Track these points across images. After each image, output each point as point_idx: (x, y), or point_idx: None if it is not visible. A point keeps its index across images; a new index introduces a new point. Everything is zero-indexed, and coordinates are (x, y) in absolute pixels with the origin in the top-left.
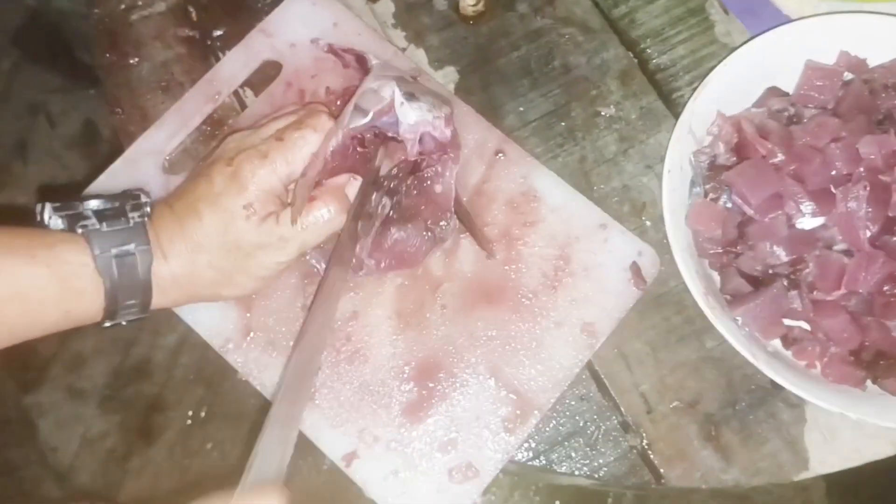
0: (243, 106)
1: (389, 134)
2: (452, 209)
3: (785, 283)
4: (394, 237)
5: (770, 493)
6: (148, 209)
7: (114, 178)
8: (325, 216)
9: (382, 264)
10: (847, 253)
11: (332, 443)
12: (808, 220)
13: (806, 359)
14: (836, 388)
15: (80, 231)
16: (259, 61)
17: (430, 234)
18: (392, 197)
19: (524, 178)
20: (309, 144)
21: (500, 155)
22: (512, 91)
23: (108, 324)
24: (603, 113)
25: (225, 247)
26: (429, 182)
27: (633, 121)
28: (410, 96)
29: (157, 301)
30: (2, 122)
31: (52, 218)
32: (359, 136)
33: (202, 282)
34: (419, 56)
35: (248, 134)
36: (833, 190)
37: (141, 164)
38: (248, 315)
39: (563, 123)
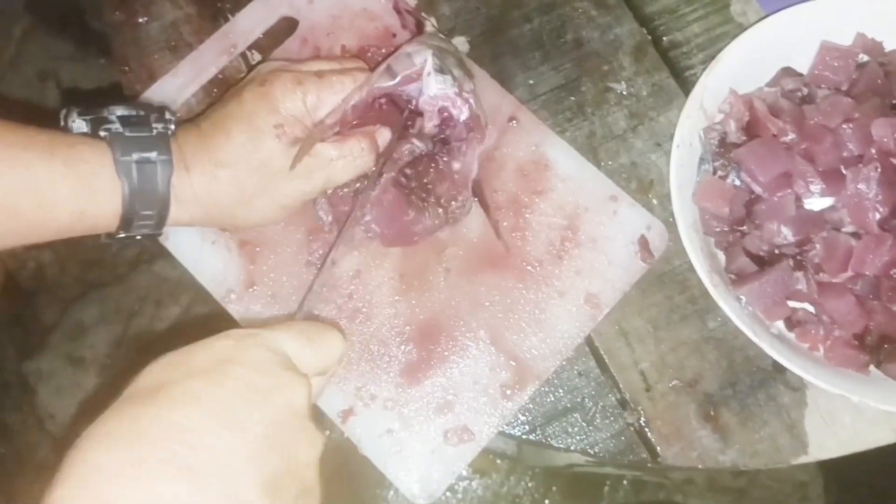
0: (250, 68)
1: (411, 105)
2: (470, 189)
3: (791, 263)
4: (409, 216)
5: (768, 489)
6: (172, 125)
7: None
8: (356, 151)
9: (387, 238)
10: (855, 235)
11: (330, 398)
12: (816, 201)
13: (809, 341)
14: (839, 371)
15: (102, 135)
16: (276, 16)
17: (442, 211)
18: (416, 166)
19: (536, 147)
20: (345, 91)
21: (513, 122)
22: (523, 63)
23: (122, 234)
24: (614, 88)
25: (250, 164)
26: (447, 158)
27: (643, 98)
28: (440, 69)
29: (175, 215)
30: (12, 88)
31: (75, 121)
32: (382, 98)
33: (221, 200)
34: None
35: (283, 64)
36: (843, 171)
37: None
38: (252, 267)
39: (572, 98)
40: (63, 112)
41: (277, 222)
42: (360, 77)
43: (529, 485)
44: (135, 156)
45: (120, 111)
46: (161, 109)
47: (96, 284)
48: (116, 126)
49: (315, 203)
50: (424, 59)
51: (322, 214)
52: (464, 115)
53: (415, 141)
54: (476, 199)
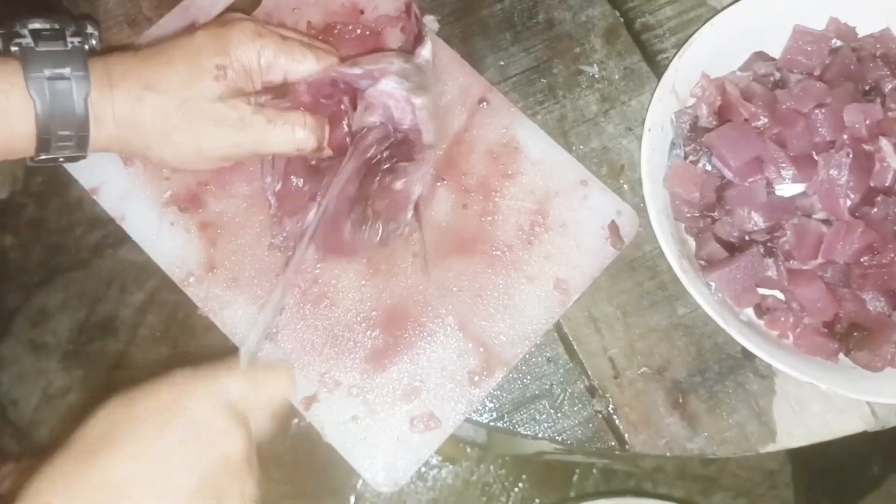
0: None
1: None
2: (410, 212)
3: (761, 249)
4: (346, 228)
5: (737, 477)
6: (94, 40)
7: None
8: (298, 124)
9: (320, 246)
10: (826, 222)
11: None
12: (787, 187)
13: (778, 329)
14: (808, 359)
15: (13, 50)
16: None
17: (381, 228)
18: (361, 178)
19: (506, 129)
20: (305, 63)
21: (484, 103)
22: (493, 44)
23: (42, 156)
24: (586, 71)
25: (180, 95)
26: (391, 177)
27: (615, 81)
28: (403, 72)
29: (94, 137)
30: None
31: None
32: (338, 85)
33: (143, 125)
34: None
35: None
36: (815, 157)
37: None
38: (212, 250)
39: (544, 80)
40: None
41: (191, 169)
42: (324, 57)
43: (499, 473)
44: (46, 72)
45: (33, 24)
46: (82, 23)
47: (60, 269)
48: (28, 41)
49: (264, 183)
50: (392, 60)
51: (269, 181)
52: (405, 121)
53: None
54: (416, 221)
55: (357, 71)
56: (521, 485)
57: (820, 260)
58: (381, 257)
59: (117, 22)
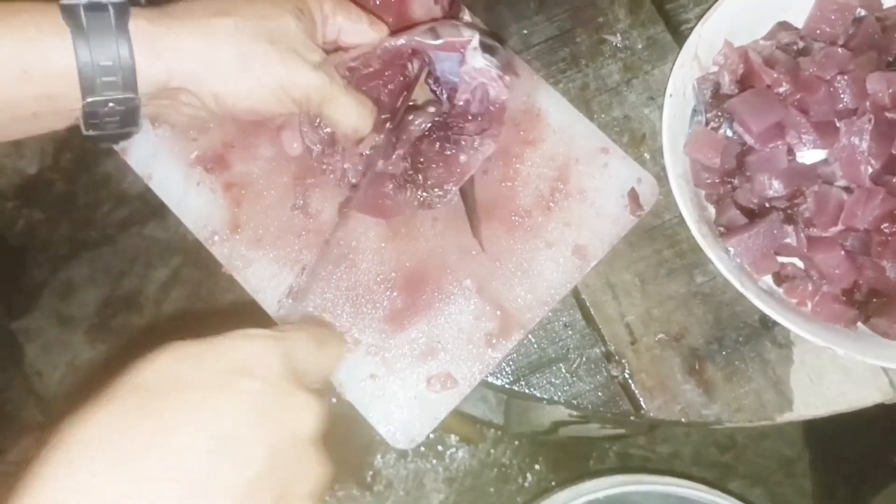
0: None
1: (439, 76)
2: (459, 185)
3: (781, 216)
4: (386, 188)
5: (754, 464)
6: None
7: None
8: (366, 106)
9: (357, 201)
10: (846, 190)
11: None
12: (808, 153)
13: (797, 297)
14: (826, 326)
15: None
16: None
17: (422, 193)
18: (419, 142)
19: (528, 97)
20: (359, 24)
21: (516, 76)
22: (517, 13)
23: (90, 98)
24: (609, 41)
25: (261, 26)
26: (455, 149)
27: (638, 51)
28: (486, 48)
29: (148, 71)
30: None
31: None
32: (412, 55)
33: (216, 53)
34: None
35: None
36: (837, 123)
37: None
38: (237, 210)
39: (567, 49)
40: None
41: (262, 114)
42: (376, 23)
43: (516, 454)
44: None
45: None
46: None
47: (87, 244)
48: None
49: (302, 135)
50: (473, 34)
51: (309, 143)
52: (503, 97)
53: (430, 109)
54: (461, 196)
55: (436, 42)
56: (537, 466)
57: (840, 227)
58: (401, 219)
59: None
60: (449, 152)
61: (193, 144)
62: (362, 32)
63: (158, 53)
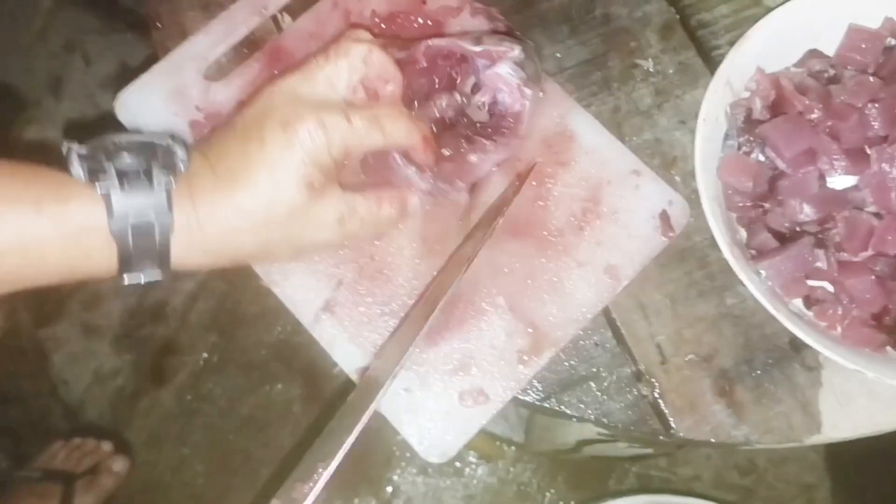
0: (280, 30)
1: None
2: (467, 187)
3: (812, 240)
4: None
5: (775, 489)
6: (182, 166)
7: (155, 78)
8: (387, 218)
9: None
10: (877, 216)
11: (348, 355)
12: (839, 179)
13: (827, 320)
14: (855, 349)
15: (99, 190)
16: None
17: (430, 183)
18: (438, 134)
19: (561, 118)
20: (373, 141)
21: (540, 93)
22: (551, 36)
23: (125, 283)
24: (640, 65)
25: (276, 222)
26: (469, 148)
27: (669, 75)
28: (520, 64)
29: (180, 264)
30: (38, 58)
31: (73, 165)
32: (451, 58)
33: (238, 253)
34: None
35: (299, 83)
36: (868, 150)
37: (184, 68)
38: None
39: (599, 72)
40: (64, 148)
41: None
42: (392, 125)
43: (536, 473)
44: (131, 219)
45: (120, 161)
46: (171, 152)
47: None
48: (113, 182)
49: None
50: (514, 48)
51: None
52: (517, 107)
53: (457, 96)
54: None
55: (478, 48)
56: (556, 486)
57: (870, 252)
58: (436, 236)
59: (192, 6)
60: (463, 149)
61: None
62: (372, 141)
63: (191, 257)
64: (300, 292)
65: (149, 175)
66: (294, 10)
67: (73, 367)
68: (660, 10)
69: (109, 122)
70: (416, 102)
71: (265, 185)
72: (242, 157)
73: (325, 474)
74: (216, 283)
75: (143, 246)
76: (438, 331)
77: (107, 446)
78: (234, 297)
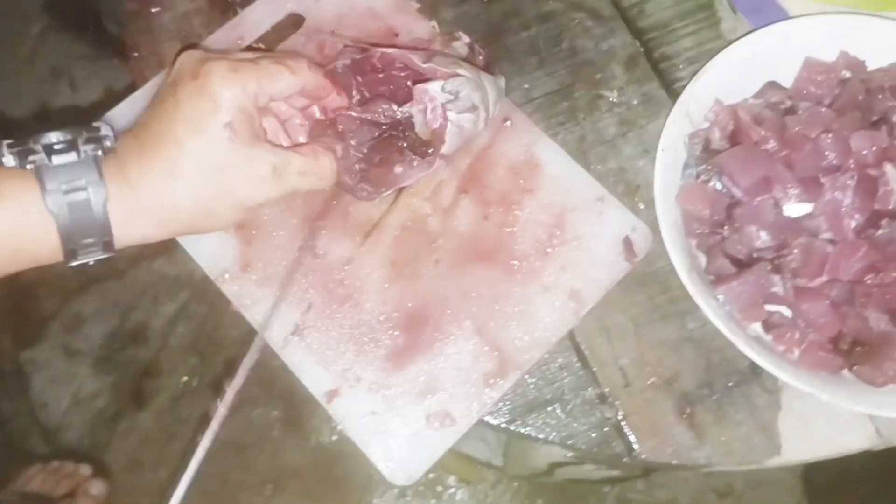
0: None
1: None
2: (390, 189)
3: (768, 266)
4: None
5: None
6: (108, 142)
7: (132, 107)
8: (327, 171)
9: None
10: (831, 242)
11: (316, 379)
12: (794, 207)
13: (784, 344)
14: (812, 373)
15: (29, 167)
16: (284, 12)
17: (355, 183)
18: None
19: (528, 147)
20: (284, 81)
21: (508, 122)
22: (519, 68)
23: (73, 263)
24: (606, 96)
25: (206, 172)
26: (398, 157)
27: (634, 106)
28: (459, 84)
29: (125, 237)
30: (25, 83)
31: (4, 155)
32: (398, 65)
33: (178, 213)
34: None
35: (205, 52)
36: (821, 179)
37: None
38: (248, 249)
39: (565, 103)
40: None
41: (242, 223)
42: (296, 66)
43: (515, 497)
44: (63, 187)
45: (47, 139)
46: (95, 127)
47: (96, 278)
48: (41, 156)
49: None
50: (459, 73)
51: None
52: (433, 125)
53: (394, 107)
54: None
55: (425, 66)
56: None
57: (825, 278)
58: (404, 261)
59: (170, 37)
60: (392, 160)
61: None
62: (292, 84)
63: (132, 224)
64: (270, 317)
65: (75, 146)
66: (269, 41)
67: (53, 389)
68: (624, 44)
69: None
70: (361, 102)
71: (187, 139)
72: (161, 118)
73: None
74: (196, 307)
75: (82, 220)
76: (406, 353)
77: (85, 469)
78: (214, 320)
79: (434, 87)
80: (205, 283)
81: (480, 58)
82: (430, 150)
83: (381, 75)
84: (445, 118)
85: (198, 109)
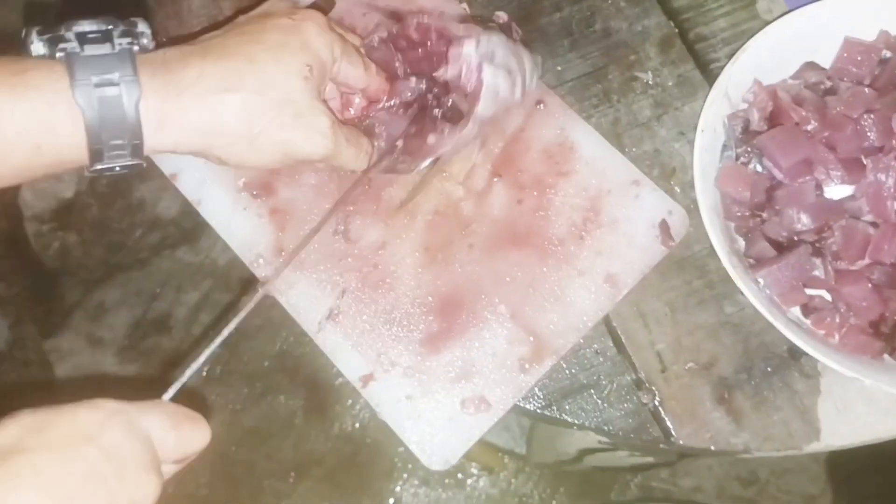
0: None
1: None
2: (427, 163)
3: (809, 249)
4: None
5: (776, 499)
6: (145, 39)
7: None
8: (365, 150)
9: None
10: (873, 224)
11: (351, 363)
12: (836, 189)
13: (825, 328)
14: (853, 357)
15: (59, 56)
16: None
17: (393, 158)
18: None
19: (561, 130)
20: (356, 70)
21: (541, 105)
22: (551, 50)
23: (98, 166)
24: (640, 78)
25: (269, 97)
26: (431, 127)
27: (669, 87)
28: (493, 44)
29: (156, 143)
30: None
31: (34, 42)
32: (436, 32)
33: (221, 129)
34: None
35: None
36: (864, 160)
37: None
38: (281, 234)
39: (599, 85)
40: (24, 32)
41: (268, 169)
42: (369, 65)
43: (537, 485)
44: (93, 78)
45: (80, 27)
46: (132, 22)
47: (120, 267)
48: (73, 45)
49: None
50: (493, 36)
51: None
52: (468, 85)
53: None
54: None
55: (461, 27)
56: (558, 497)
57: (867, 261)
58: (438, 245)
59: (200, 22)
60: (426, 130)
61: (241, 172)
62: (359, 77)
63: (166, 130)
64: (304, 301)
65: (109, 38)
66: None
67: (77, 378)
68: (659, 25)
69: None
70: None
71: (264, 59)
72: (238, 38)
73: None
74: (220, 295)
75: (111, 118)
76: (440, 338)
77: None
78: (237, 308)
79: (469, 47)
80: (227, 271)
81: (517, 36)
82: (457, 114)
83: (419, 49)
84: (480, 79)
85: (285, 42)
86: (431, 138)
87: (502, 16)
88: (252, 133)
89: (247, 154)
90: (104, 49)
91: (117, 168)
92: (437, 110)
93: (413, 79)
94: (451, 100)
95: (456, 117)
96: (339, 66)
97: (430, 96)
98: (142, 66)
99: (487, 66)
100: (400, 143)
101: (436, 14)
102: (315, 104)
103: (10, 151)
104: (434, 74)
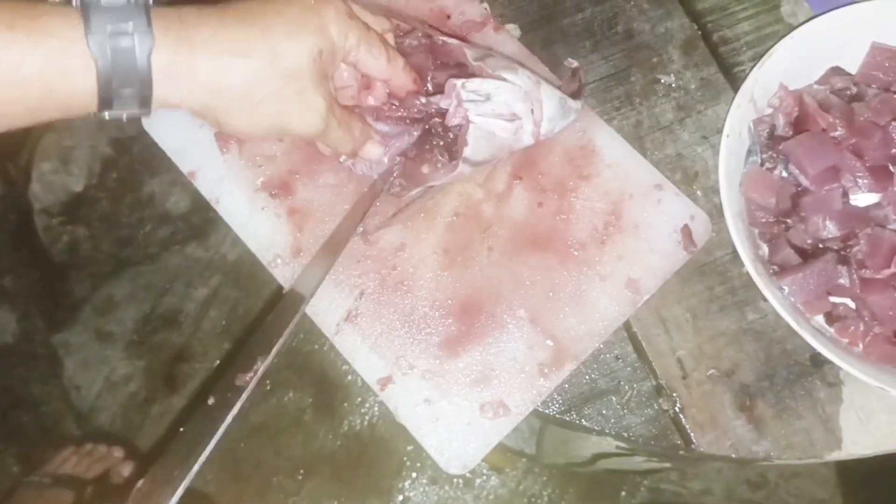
0: None
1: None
2: (418, 190)
3: (834, 257)
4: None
5: (785, 503)
6: None
7: None
8: (355, 136)
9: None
10: None
11: (369, 366)
12: (862, 196)
13: (849, 337)
14: (877, 366)
15: (75, 3)
16: None
17: (389, 181)
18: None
19: (583, 132)
20: (378, 61)
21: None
22: (573, 52)
23: (105, 114)
24: (662, 81)
25: (276, 67)
26: (428, 157)
27: (692, 91)
28: (498, 91)
29: (163, 96)
30: None
31: None
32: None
33: (227, 88)
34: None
35: None
36: (891, 168)
37: None
38: (299, 235)
39: (621, 87)
40: None
41: (263, 140)
42: (395, 58)
43: (546, 485)
44: (108, 27)
45: None
46: None
47: (129, 262)
48: None
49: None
50: (507, 83)
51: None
52: (451, 121)
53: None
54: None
55: (473, 65)
56: (567, 498)
57: (892, 269)
58: (458, 248)
59: None
60: (422, 159)
61: (260, 171)
62: (380, 69)
63: (176, 84)
64: (322, 302)
65: None
66: None
67: (86, 372)
68: (682, 27)
69: None
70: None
71: (280, 32)
72: (259, 8)
73: (263, 366)
74: (229, 291)
75: (123, 67)
76: (459, 342)
77: (118, 452)
78: (246, 304)
79: (459, 82)
80: (237, 267)
81: (577, 85)
82: (451, 149)
83: (439, 62)
84: (466, 118)
85: (303, 21)
86: (425, 168)
87: (573, 63)
88: (254, 100)
89: (245, 120)
90: (119, 2)
91: (124, 117)
92: (438, 139)
93: (424, 99)
94: (452, 133)
95: (453, 154)
96: (357, 55)
97: (436, 121)
98: (156, 20)
99: (473, 108)
100: (400, 161)
101: (459, 42)
102: (318, 85)
103: (25, 93)
104: (430, 99)
